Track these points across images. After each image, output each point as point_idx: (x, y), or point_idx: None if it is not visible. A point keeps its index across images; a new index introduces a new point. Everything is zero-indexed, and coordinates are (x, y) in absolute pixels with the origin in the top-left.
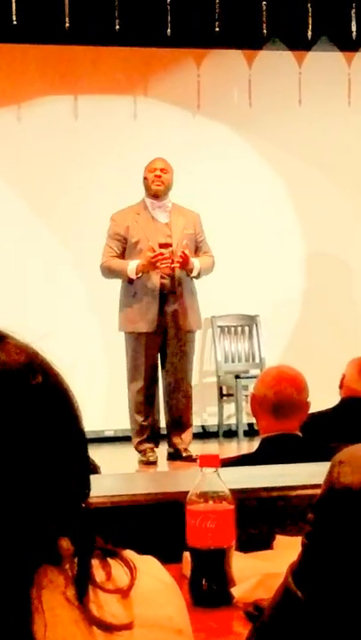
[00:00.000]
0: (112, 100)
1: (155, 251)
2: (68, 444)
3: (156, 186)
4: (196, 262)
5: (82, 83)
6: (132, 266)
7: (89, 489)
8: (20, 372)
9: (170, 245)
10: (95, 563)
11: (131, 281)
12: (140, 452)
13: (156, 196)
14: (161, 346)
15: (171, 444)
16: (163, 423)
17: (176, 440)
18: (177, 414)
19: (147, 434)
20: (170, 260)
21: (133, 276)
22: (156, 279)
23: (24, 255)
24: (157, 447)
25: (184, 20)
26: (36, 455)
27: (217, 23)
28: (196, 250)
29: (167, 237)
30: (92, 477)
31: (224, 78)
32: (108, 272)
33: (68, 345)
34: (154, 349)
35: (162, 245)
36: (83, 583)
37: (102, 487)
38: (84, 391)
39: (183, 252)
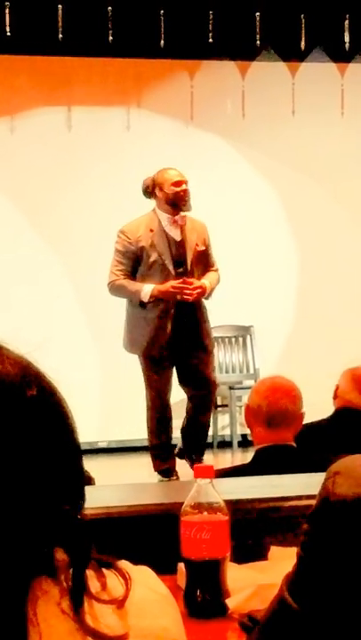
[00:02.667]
0: (105, 112)
1: (179, 284)
2: (63, 456)
3: (184, 201)
4: (207, 283)
5: (75, 94)
6: (146, 290)
7: (84, 500)
8: (14, 384)
9: (184, 263)
10: (90, 573)
11: (142, 304)
12: (160, 472)
13: (180, 210)
14: (178, 362)
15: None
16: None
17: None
18: (200, 435)
19: (164, 451)
20: (189, 292)
21: (146, 300)
22: (170, 302)
23: (17, 266)
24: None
25: (177, 32)
26: (31, 467)
27: (210, 34)
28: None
29: (181, 256)
30: (87, 489)
31: (217, 89)
32: (119, 291)
33: (62, 355)
34: (170, 366)
35: (176, 264)
36: (78, 594)
37: (96, 498)
38: (78, 402)
39: (202, 287)
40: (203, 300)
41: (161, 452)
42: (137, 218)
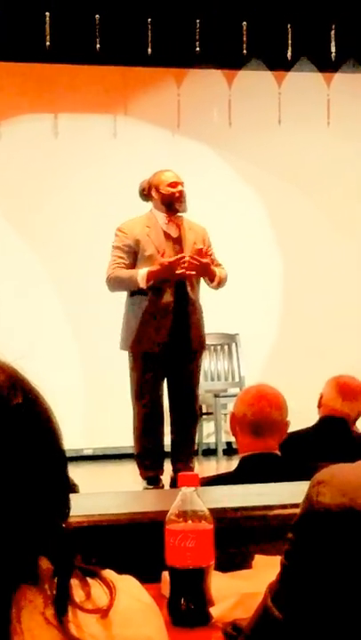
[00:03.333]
0: (92, 119)
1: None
2: (48, 464)
3: (180, 203)
4: (215, 270)
5: (62, 101)
6: (142, 273)
7: (69, 508)
8: (0, 393)
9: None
10: (74, 582)
11: (141, 290)
12: (146, 479)
13: (176, 211)
14: (169, 366)
15: (175, 469)
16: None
17: (181, 466)
18: (184, 438)
19: (152, 458)
20: (186, 263)
21: (144, 285)
22: (168, 297)
23: (1, 272)
24: (162, 474)
25: (164, 40)
26: (16, 475)
27: (197, 43)
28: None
29: (178, 252)
30: (71, 497)
31: (204, 98)
32: (116, 282)
33: (47, 362)
34: (161, 370)
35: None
36: (62, 603)
37: (81, 506)
38: (63, 409)
39: (196, 258)
40: (200, 304)
41: (148, 459)
42: (134, 217)
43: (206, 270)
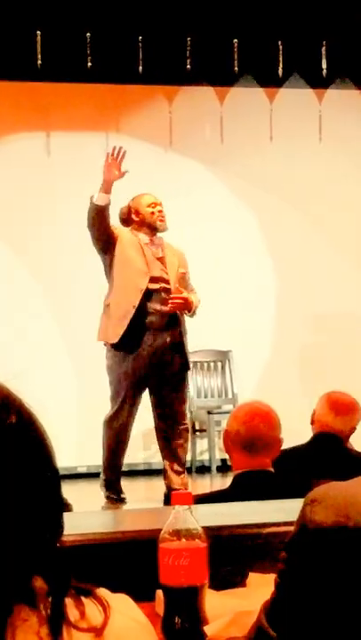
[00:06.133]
0: (84, 137)
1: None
2: (42, 483)
3: (160, 221)
4: (193, 299)
5: (54, 119)
6: (96, 195)
7: (62, 527)
8: None
9: (166, 281)
10: (69, 601)
11: (102, 208)
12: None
13: (156, 230)
14: (151, 388)
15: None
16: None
17: (175, 480)
18: (176, 456)
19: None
20: (171, 297)
21: (101, 203)
22: (151, 317)
23: None
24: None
25: (156, 57)
26: (9, 495)
27: (188, 60)
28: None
29: (162, 272)
30: (64, 515)
31: (196, 115)
32: (88, 218)
33: (40, 380)
34: (142, 388)
35: (156, 279)
36: (56, 622)
37: (74, 525)
38: (57, 427)
39: (182, 297)
40: (184, 323)
41: (116, 476)
42: None
43: (187, 305)
